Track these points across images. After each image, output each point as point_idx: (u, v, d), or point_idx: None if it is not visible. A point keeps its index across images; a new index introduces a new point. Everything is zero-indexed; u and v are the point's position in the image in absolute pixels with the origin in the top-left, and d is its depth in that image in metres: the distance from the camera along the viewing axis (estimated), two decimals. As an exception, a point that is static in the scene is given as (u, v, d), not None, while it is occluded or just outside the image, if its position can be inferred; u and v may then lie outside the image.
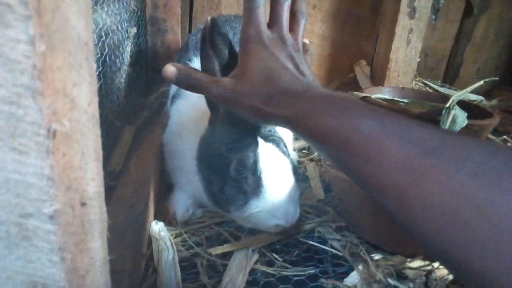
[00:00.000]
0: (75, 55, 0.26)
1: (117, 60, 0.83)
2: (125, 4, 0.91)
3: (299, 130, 0.45)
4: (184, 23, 1.21)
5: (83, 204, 0.28)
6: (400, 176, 0.34)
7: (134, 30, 0.98)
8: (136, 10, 1.01)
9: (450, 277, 0.61)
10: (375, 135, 0.37)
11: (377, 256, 0.65)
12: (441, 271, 0.62)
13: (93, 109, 0.30)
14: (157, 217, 0.72)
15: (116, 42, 0.82)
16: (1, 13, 0.21)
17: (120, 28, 0.85)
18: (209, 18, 0.58)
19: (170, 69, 0.56)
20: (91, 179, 0.30)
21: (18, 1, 0.20)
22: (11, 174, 0.23)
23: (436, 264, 0.63)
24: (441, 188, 0.31)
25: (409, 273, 0.62)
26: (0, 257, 0.25)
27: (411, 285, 0.60)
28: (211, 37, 0.58)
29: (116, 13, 0.84)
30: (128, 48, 0.94)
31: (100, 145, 0.33)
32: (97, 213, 0.32)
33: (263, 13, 0.55)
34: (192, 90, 0.56)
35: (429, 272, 0.62)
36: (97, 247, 0.33)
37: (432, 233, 0.32)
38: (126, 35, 0.92)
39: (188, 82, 0.56)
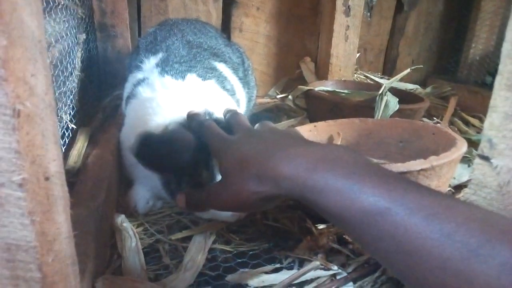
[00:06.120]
0: (31, 50, 0.31)
1: (68, 65, 0.86)
2: (72, 11, 0.94)
3: (307, 203, 0.41)
4: (133, 28, 1.24)
5: (46, 179, 0.33)
6: (444, 276, 0.30)
7: (83, 36, 1.00)
8: (84, 17, 1.04)
9: (384, 237, 0.70)
10: (403, 221, 0.32)
11: (321, 226, 0.73)
12: (376, 233, 0.71)
13: (50, 98, 0.35)
14: (119, 210, 0.76)
15: (66, 48, 0.85)
16: (-32, 15, 0.25)
17: (69, 34, 0.88)
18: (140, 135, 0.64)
19: (181, 199, 0.60)
20: (52, 159, 0.35)
21: (-18, 5, 0.25)
22: (-18, 150, 0.28)
23: (371, 228, 0.72)
24: None
25: (349, 238, 0.70)
26: (-24, 224, 0.29)
27: (350, 247, 0.69)
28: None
29: (64, 21, 0.86)
30: (79, 54, 0.96)
31: (57, 131, 0.37)
32: (59, 190, 0.37)
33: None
34: (201, 210, 0.62)
35: (366, 235, 0.70)
36: (62, 220, 0.37)
37: None
38: (76, 41, 0.95)
39: (199, 209, 0.61)
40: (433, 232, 0.31)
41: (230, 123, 0.65)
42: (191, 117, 0.68)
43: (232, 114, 0.67)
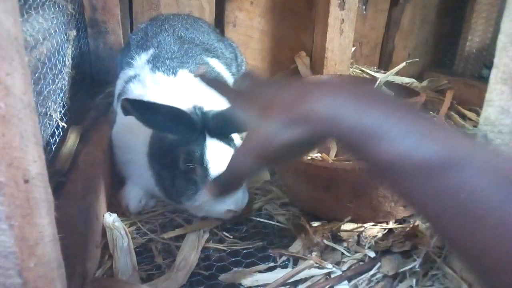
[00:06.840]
0: (6, 48, 0.30)
1: (58, 63, 0.84)
2: (61, 7, 0.92)
3: (347, 146, 0.35)
4: (125, 24, 1.22)
5: (26, 181, 0.32)
6: None
7: (74, 32, 0.99)
8: (74, 13, 1.02)
9: (379, 235, 0.69)
10: (471, 182, 0.28)
11: (315, 224, 0.72)
12: (370, 231, 0.70)
13: (29, 98, 0.34)
14: (111, 210, 0.74)
15: (55, 45, 0.83)
16: None
17: (58, 31, 0.86)
18: None
19: (212, 188, 0.48)
20: (33, 161, 0.34)
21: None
22: (-45, 153, 0.26)
23: (366, 225, 0.71)
24: None
25: (343, 235, 0.69)
26: (-49, 230, 0.28)
27: (345, 244, 0.68)
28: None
29: (53, 17, 0.85)
30: (69, 51, 0.95)
31: (39, 131, 0.36)
32: (42, 193, 0.35)
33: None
34: (237, 184, 0.49)
35: (360, 232, 0.70)
36: (45, 223, 0.36)
37: None
38: (66, 37, 0.93)
39: (230, 184, 0.48)
40: (509, 199, 0.27)
41: (245, 83, 0.51)
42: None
43: (244, 74, 0.55)
